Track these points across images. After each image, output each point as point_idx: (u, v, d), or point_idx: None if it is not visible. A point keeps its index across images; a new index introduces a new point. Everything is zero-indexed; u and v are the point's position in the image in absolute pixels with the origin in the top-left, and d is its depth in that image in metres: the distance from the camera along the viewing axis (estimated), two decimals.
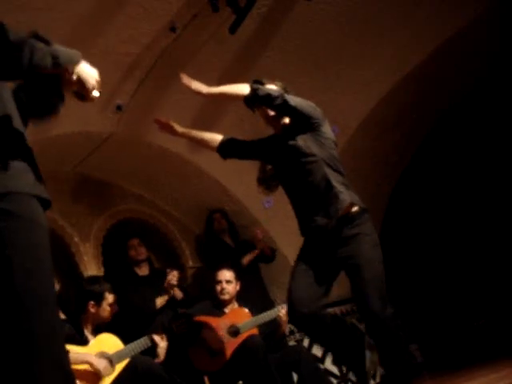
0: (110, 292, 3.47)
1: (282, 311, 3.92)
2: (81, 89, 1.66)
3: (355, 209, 2.68)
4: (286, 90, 2.90)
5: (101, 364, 3.08)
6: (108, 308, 3.40)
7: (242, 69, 4.58)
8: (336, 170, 2.79)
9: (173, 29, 3.79)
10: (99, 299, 3.38)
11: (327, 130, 2.88)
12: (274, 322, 3.98)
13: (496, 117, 5.75)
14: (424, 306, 6.08)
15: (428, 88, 5.23)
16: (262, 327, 3.93)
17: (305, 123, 2.80)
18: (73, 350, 3.03)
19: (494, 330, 5.34)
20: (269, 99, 2.70)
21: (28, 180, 1.46)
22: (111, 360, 3.21)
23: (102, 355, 3.19)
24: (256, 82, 2.75)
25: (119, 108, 4.17)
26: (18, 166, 1.45)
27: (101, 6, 3.44)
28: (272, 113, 2.84)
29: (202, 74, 4.44)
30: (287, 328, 5.23)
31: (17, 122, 1.53)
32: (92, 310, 3.35)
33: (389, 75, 4.87)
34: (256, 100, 2.71)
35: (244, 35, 4.12)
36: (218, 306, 3.98)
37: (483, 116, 5.80)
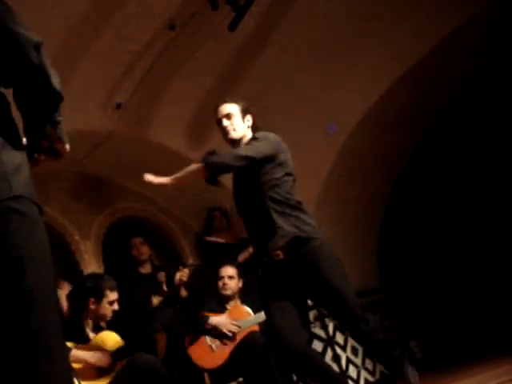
0: (112, 290, 3.45)
1: None
2: (58, 146, 1.73)
3: (297, 240, 2.62)
4: (248, 111, 2.92)
5: (95, 357, 3.08)
6: (108, 306, 3.38)
7: (242, 66, 4.59)
8: (282, 202, 2.70)
9: (172, 27, 3.80)
10: (100, 296, 3.37)
11: (282, 158, 2.80)
12: None
13: (496, 114, 5.76)
14: (424, 302, 6.10)
15: (427, 86, 5.24)
16: (263, 325, 3.95)
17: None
18: (73, 347, 3.05)
19: (493, 327, 5.35)
20: (226, 169, 2.74)
21: (30, 186, 1.50)
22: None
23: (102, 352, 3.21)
24: (207, 157, 2.76)
25: (119, 106, 4.18)
26: (25, 169, 1.49)
27: (100, 4, 3.45)
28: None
29: (202, 71, 4.46)
30: None
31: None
32: (92, 306, 3.35)
33: (388, 73, 4.88)
34: (216, 175, 2.74)
35: (243, 33, 4.12)
36: (220, 302, 4.01)
37: (483, 113, 5.80)
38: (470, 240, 5.88)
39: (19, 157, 1.49)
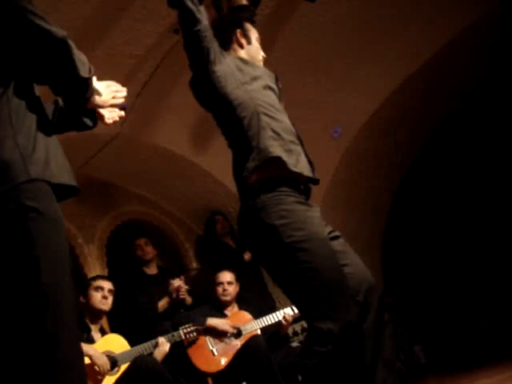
0: (96, 279, 3.53)
1: (286, 314, 3.94)
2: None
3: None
4: None
5: (100, 359, 3.07)
6: (95, 293, 3.39)
7: None
8: None
9: (176, 30, 3.80)
10: (85, 289, 3.44)
11: None
12: (276, 323, 3.99)
13: (502, 117, 5.74)
14: (428, 307, 6.07)
15: (433, 88, 5.22)
16: (265, 328, 3.94)
17: None
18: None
19: (498, 332, 5.33)
20: None
21: (51, 165, 1.49)
22: (116, 361, 3.22)
23: (108, 354, 3.20)
24: None
25: (123, 110, 4.18)
26: (42, 149, 1.48)
27: (104, 7, 3.45)
28: None
29: None
30: (290, 329, 5.24)
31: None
32: (83, 301, 3.39)
33: (393, 75, 4.87)
34: None
35: None
36: (218, 309, 3.99)
37: (489, 116, 5.79)
38: (475, 244, 5.86)
39: (36, 138, 1.48)
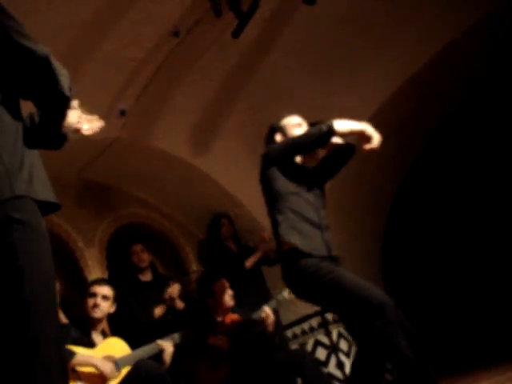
0: (92, 285, 3.52)
1: (265, 311, 3.95)
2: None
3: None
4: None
5: (106, 366, 3.08)
6: (88, 299, 3.40)
7: (245, 73, 4.60)
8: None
9: (176, 34, 3.81)
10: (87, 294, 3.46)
11: None
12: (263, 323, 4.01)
13: (502, 118, 5.74)
14: (428, 309, 6.07)
15: (432, 91, 5.23)
16: (253, 327, 3.94)
17: None
18: (79, 351, 3.04)
19: (497, 334, 5.33)
20: None
21: (36, 183, 1.52)
22: (117, 364, 3.21)
23: (109, 359, 3.20)
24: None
25: (123, 113, 4.18)
26: (27, 167, 1.51)
27: (105, 10, 3.46)
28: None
29: (206, 77, 4.47)
30: (290, 332, 5.24)
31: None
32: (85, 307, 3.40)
33: (392, 79, 4.88)
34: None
35: (247, 40, 4.13)
36: (209, 318, 3.96)
37: (488, 117, 5.79)
38: (476, 245, 5.86)
39: (22, 155, 1.52)
